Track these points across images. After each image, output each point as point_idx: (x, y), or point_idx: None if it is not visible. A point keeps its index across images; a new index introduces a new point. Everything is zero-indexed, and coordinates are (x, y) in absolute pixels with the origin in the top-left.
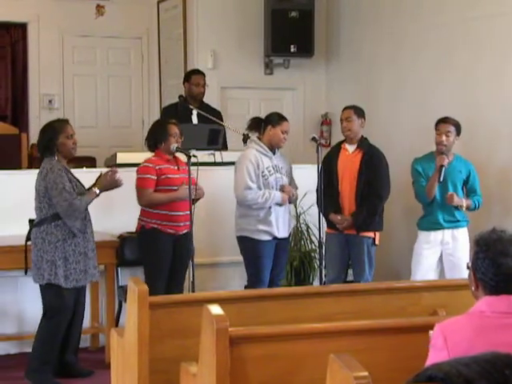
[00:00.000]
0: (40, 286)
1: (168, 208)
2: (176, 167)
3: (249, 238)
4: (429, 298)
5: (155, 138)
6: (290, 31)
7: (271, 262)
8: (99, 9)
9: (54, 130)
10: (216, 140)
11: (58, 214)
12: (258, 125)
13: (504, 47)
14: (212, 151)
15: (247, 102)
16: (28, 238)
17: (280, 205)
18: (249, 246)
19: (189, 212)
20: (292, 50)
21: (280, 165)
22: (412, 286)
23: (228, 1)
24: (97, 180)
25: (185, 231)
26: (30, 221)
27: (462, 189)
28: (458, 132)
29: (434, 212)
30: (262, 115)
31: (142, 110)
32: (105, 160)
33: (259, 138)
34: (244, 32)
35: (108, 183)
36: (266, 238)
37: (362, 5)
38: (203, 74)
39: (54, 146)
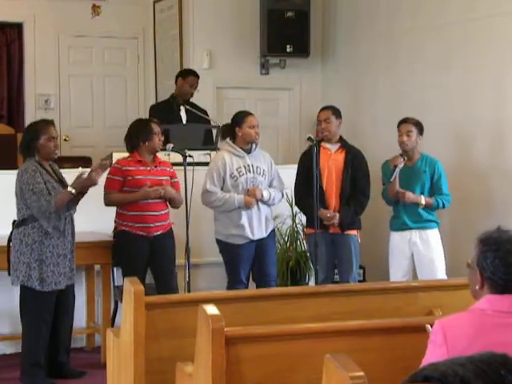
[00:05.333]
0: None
1: (139, 208)
2: (147, 168)
3: (223, 242)
4: (425, 298)
5: (138, 138)
6: (286, 31)
7: (249, 264)
8: (95, 9)
9: (36, 131)
10: (211, 140)
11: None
12: (228, 131)
13: (503, 48)
14: (207, 151)
15: (243, 102)
16: (10, 239)
17: (248, 208)
18: (224, 249)
19: (164, 212)
20: (288, 50)
21: (256, 164)
22: (408, 286)
23: (224, 1)
24: (75, 180)
25: (159, 232)
26: (14, 222)
27: (431, 188)
28: (420, 131)
29: (400, 213)
30: (258, 115)
31: (138, 110)
32: (100, 160)
33: (234, 140)
34: (240, 32)
35: (82, 181)
36: (241, 241)
37: (359, 5)
38: (199, 77)
39: (34, 146)
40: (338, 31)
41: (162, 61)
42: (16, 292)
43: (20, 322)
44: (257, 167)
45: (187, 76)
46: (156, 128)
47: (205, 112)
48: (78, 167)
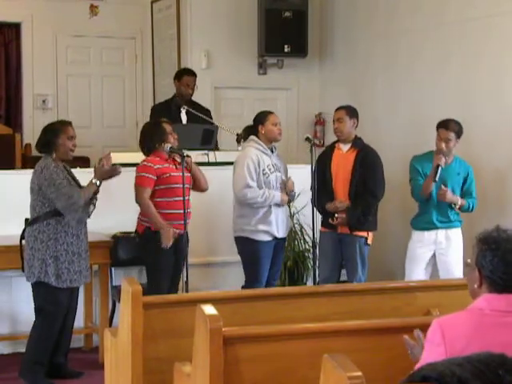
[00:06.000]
0: (32, 285)
1: (172, 206)
2: (174, 166)
3: (248, 239)
4: (423, 298)
5: (153, 140)
6: (284, 31)
7: (269, 263)
8: (93, 9)
9: (56, 130)
10: (209, 140)
11: (51, 213)
12: (251, 131)
13: (501, 47)
14: (205, 151)
15: (241, 102)
16: (22, 237)
17: (279, 205)
18: (248, 247)
19: (189, 210)
20: (286, 50)
21: (278, 164)
22: (406, 286)
23: (221, 1)
24: (95, 171)
25: (184, 230)
26: (26, 220)
27: (461, 191)
28: (459, 136)
29: (429, 211)
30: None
31: (136, 110)
32: (98, 161)
33: (257, 137)
34: (238, 32)
35: (105, 172)
36: (266, 238)
37: (357, 4)
38: (195, 76)
39: (53, 144)
40: (336, 31)
41: (160, 61)
42: (14, 292)
43: (18, 321)
44: (279, 167)
45: (181, 77)
46: (168, 127)
47: (208, 111)
48: (76, 167)
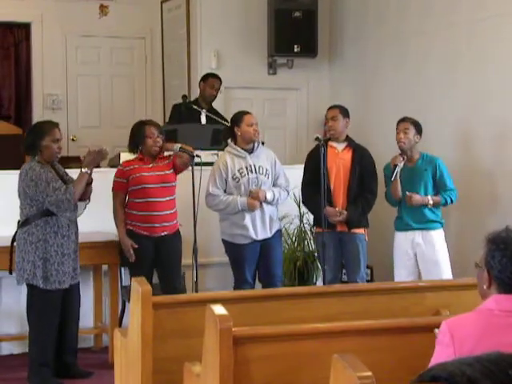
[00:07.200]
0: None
1: (145, 208)
2: (149, 165)
3: (227, 242)
4: (432, 298)
5: (135, 141)
6: (294, 31)
7: (253, 264)
8: (103, 9)
9: (41, 131)
10: (219, 140)
11: (39, 214)
12: (230, 133)
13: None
14: (215, 151)
15: (251, 102)
16: (14, 239)
17: (251, 210)
18: (229, 249)
19: (170, 212)
20: (295, 50)
21: (258, 164)
22: (415, 286)
23: (231, 1)
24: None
25: (165, 233)
26: (18, 222)
27: (434, 186)
28: (419, 131)
29: (403, 213)
30: (266, 115)
31: (146, 110)
32: (108, 160)
33: (235, 141)
34: (247, 32)
35: (91, 158)
36: (244, 241)
37: (367, 5)
38: (220, 80)
39: (37, 146)
40: (346, 31)
41: (170, 61)
42: (23, 292)
43: (27, 322)
44: (259, 167)
45: (207, 78)
46: (149, 130)
47: (226, 122)
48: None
